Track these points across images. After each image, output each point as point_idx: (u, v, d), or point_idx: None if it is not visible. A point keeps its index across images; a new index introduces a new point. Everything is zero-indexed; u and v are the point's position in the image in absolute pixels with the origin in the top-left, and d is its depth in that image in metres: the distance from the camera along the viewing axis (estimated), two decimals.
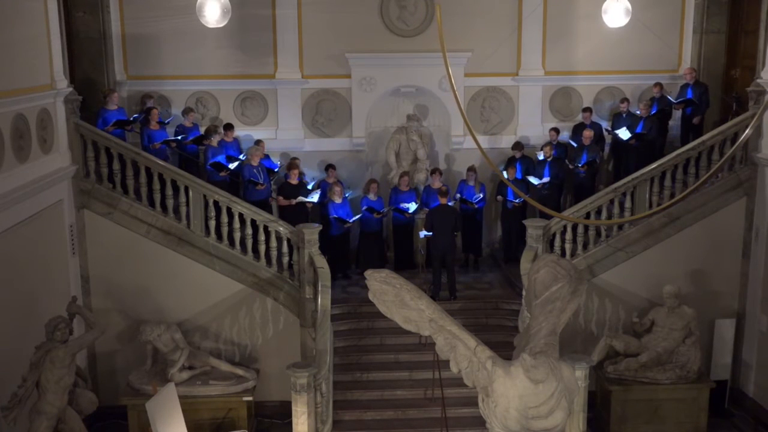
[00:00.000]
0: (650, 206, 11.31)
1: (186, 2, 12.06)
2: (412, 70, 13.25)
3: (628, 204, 11.58)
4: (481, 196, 12.76)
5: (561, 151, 13.06)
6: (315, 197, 12.24)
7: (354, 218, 12.21)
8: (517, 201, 12.59)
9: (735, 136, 11.64)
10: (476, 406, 6.97)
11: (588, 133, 12.79)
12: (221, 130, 12.52)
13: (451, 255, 11.87)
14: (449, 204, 11.95)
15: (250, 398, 10.72)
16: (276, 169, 12.59)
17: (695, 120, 12.69)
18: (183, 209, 11.16)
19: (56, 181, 10.43)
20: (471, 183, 12.82)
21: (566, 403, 6.62)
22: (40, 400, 8.45)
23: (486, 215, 13.31)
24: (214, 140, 12.19)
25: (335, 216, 12.04)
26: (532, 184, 12.61)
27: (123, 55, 12.96)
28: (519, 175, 12.71)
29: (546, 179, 12.64)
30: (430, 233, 11.84)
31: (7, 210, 8.95)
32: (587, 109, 13.25)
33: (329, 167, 12.96)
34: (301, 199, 12.10)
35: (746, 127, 11.56)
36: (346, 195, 12.57)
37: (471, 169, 12.90)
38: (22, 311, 9.32)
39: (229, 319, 11.38)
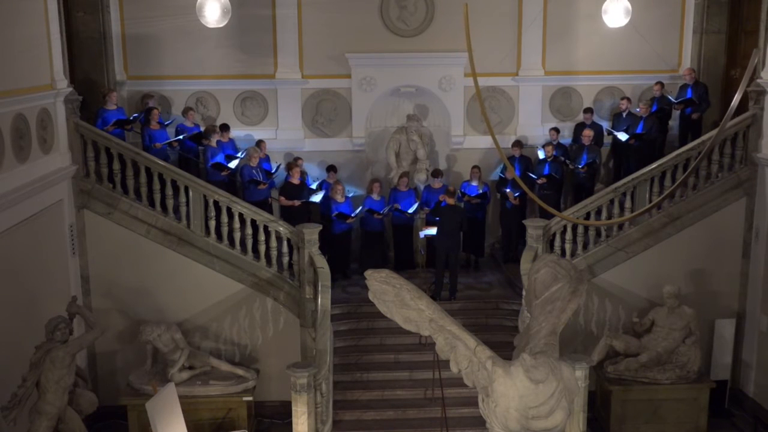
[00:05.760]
0: None
1: (186, 2, 12.05)
2: (412, 70, 13.24)
3: (628, 204, 11.58)
4: (484, 191, 12.76)
5: (561, 151, 13.07)
6: (318, 198, 12.25)
7: (356, 212, 12.20)
8: (516, 194, 12.57)
9: (735, 136, 11.66)
10: (476, 406, 6.97)
11: (588, 133, 12.80)
12: (218, 130, 12.50)
13: (455, 255, 11.87)
14: (457, 204, 11.95)
15: (250, 398, 10.73)
16: (273, 171, 12.57)
17: (694, 116, 12.68)
18: (183, 209, 11.16)
19: (56, 181, 10.43)
20: (474, 182, 12.82)
21: (566, 403, 6.62)
22: (40, 400, 8.46)
23: (486, 215, 13.29)
24: (213, 140, 12.19)
25: (338, 212, 12.03)
26: (532, 179, 12.60)
27: (123, 55, 12.96)
28: (518, 174, 12.72)
29: (545, 176, 12.65)
30: (432, 233, 11.84)
31: (7, 210, 8.95)
32: (588, 110, 13.24)
33: (330, 168, 12.97)
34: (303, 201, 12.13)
35: (747, 127, 11.61)
36: (348, 195, 12.57)
37: (475, 168, 12.91)
38: (22, 311, 9.32)
39: (229, 319, 11.38)
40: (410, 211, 12.45)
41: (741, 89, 6.37)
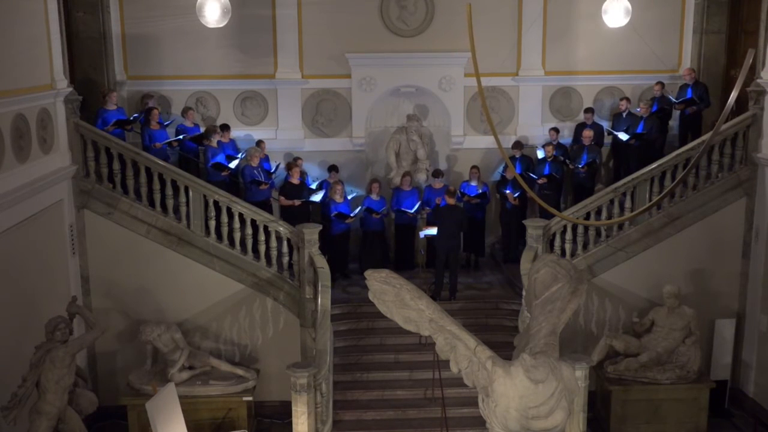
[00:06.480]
0: None
1: (186, 2, 12.06)
2: (412, 70, 13.25)
3: (628, 204, 11.58)
4: (483, 191, 12.76)
5: (561, 151, 13.07)
6: (318, 197, 12.26)
7: (355, 212, 12.21)
8: (516, 195, 12.58)
9: (735, 136, 11.65)
10: (476, 406, 6.97)
11: (588, 133, 12.81)
12: (219, 130, 12.50)
13: (454, 255, 11.87)
14: (457, 204, 11.95)
15: (250, 398, 10.72)
16: (273, 171, 12.58)
17: (690, 110, 12.68)
18: (183, 209, 11.16)
19: (56, 181, 10.43)
20: (474, 183, 12.82)
21: (566, 403, 6.62)
22: (40, 400, 8.46)
23: (486, 215, 13.30)
24: (214, 140, 12.19)
25: (336, 212, 12.04)
26: (533, 179, 12.60)
27: (123, 55, 12.97)
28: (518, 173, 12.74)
29: (545, 176, 12.65)
30: (432, 233, 11.84)
31: (7, 210, 8.95)
32: (589, 110, 13.25)
33: (332, 168, 12.97)
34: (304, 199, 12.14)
35: (747, 127, 11.60)
36: (348, 197, 12.57)
37: (474, 168, 12.91)
38: (22, 311, 9.32)
39: (229, 319, 11.38)
40: (412, 210, 12.45)
41: (736, 89, 6.39)
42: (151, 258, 11.17)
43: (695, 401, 10.95)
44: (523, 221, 11.66)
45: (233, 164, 12.12)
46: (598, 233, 11.60)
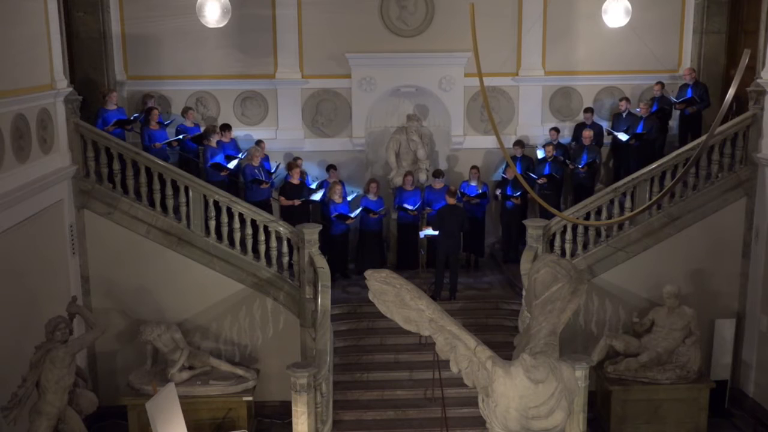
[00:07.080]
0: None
1: (186, 2, 12.06)
2: (412, 70, 13.25)
3: (628, 204, 11.58)
4: (483, 191, 12.77)
5: (561, 151, 13.08)
6: (318, 196, 12.26)
7: (355, 212, 12.21)
8: (515, 195, 12.58)
9: (735, 136, 11.65)
10: (476, 406, 6.98)
11: (588, 133, 12.81)
12: (218, 130, 12.50)
13: (455, 255, 11.86)
14: (457, 204, 11.96)
15: (250, 398, 10.72)
16: (273, 171, 12.58)
17: (690, 109, 12.67)
18: (183, 209, 11.17)
19: (56, 181, 10.44)
20: (473, 183, 12.82)
21: (566, 403, 6.62)
22: (40, 400, 8.46)
23: (486, 215, 13.31)
24: (213, 140, 12.19)
25: (337, 213, 12.03)
26: (533, 179, 12.60)
27: (123, 55, 12.97)
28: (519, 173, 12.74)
29: (545, 176, 12.65)
30: (433, 233, 11.84)
31: (7, 210, 8.96)
32: (588, 110, 13.26)
33: (331, 167, 12.97)
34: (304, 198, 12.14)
35: (747, 127, 11.60)
36: (348, 198, 12.57)
37: (473, 168, 12.91)
38: (22, 311, 9.32)
39: (229, 319, 11.38)
40: (413, 208, 12.45)
41: (732, 89, 6.39)
42: (151, 258, 11.17)
43: (695, 401, 10.95)
44: (523, 221, 11.66)
45: (232, 164, 12.12)
46: (598, 233, 11.60)
